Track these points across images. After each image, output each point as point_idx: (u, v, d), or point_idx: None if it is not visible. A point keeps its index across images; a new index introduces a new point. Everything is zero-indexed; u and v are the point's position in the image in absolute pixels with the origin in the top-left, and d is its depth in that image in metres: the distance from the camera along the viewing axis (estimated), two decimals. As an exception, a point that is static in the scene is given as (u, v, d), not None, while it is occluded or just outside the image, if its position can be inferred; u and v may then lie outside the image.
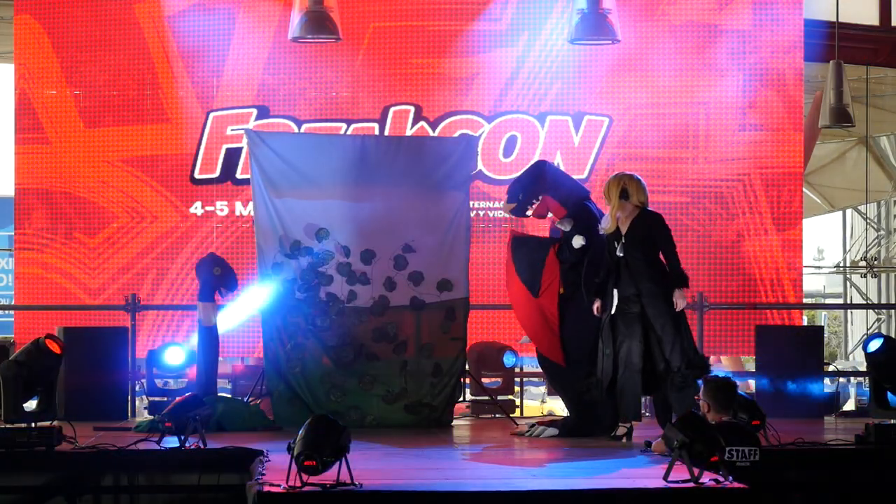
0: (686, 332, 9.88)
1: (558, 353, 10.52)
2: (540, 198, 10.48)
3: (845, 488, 8.53)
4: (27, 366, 8.85)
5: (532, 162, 11.58)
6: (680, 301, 9.81)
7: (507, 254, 10.76)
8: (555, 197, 10.46)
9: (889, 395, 9.34)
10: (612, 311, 9.88)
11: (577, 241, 10.32)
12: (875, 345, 9.30)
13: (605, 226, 10.00)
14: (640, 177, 9.99)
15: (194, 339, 11.57)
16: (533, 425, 10.48)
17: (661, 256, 9.92)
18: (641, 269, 9.84)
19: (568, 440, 10.07)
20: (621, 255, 9.88)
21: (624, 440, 9.87)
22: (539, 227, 11.83)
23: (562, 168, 12.47)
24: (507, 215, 12.17)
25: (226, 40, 13.48)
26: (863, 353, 9.74)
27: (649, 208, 9.97)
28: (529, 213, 10.61)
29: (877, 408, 9.34)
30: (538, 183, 10.51)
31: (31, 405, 9.06)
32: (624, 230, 9.90)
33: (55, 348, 8.91)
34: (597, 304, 10.00)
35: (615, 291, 9.88)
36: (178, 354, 11.82)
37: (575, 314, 10.35)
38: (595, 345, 10.08)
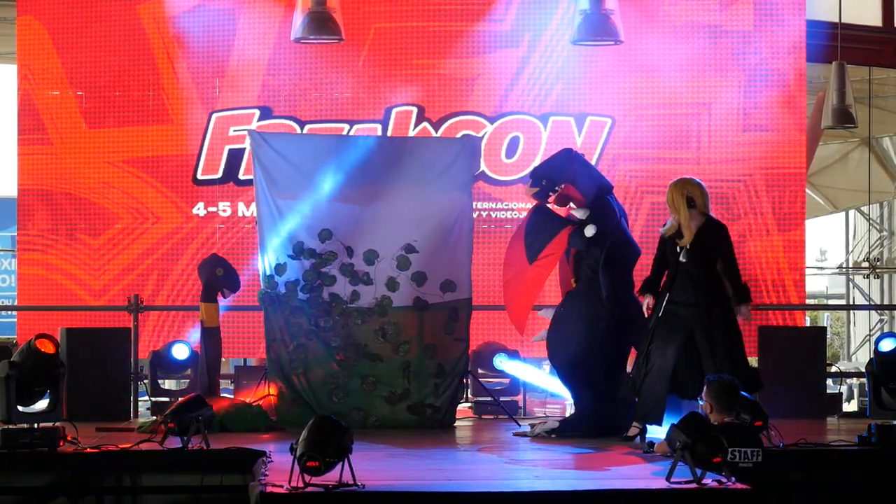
0: (738, 346, 9.79)
1: (522, 322, 10.59)
2: (563, 186, 10.47)
3: (847, 489, 8.53)
4: (20, 366, 8.83)
5: (554, 149, 11.52)
6: (747, 314, 9.80)
7: (525, 217, 10.76)
8: (577, 187, 10.44)
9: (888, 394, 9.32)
10: (660, 315, 9.84)
11: (589, 230, 10.31)
12: (889, 345, 9.25)
13: (664, 231, 9.94)
14: (700, 181, 9.96)
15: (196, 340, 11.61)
16: (534, 426, 10.48)
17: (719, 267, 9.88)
18: (701, 278, 9.79)
19: (570, 440, 10.06)
20: (684, 260, 9.81)
21: (638, 440, 9.84)
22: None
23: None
24: (508, 216, 12.13)
25: (228, 41, 13.47)
26: (865, 354, 9.72)
27: (711, 215, 9.93)
28: (551, 199, 10.58)
29: (877, 408, 9.33)
30: (563, 171, 10.48)
31: (40, 405, 9.07)
32: (689, 237, 9.86)
33: (48, 348, 8.87)
34: (648, 301, 9.97)
35: (667, 294, 9.84)
36: (183, 351, 11.89)
37: (585, 310, 10.35)
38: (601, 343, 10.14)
